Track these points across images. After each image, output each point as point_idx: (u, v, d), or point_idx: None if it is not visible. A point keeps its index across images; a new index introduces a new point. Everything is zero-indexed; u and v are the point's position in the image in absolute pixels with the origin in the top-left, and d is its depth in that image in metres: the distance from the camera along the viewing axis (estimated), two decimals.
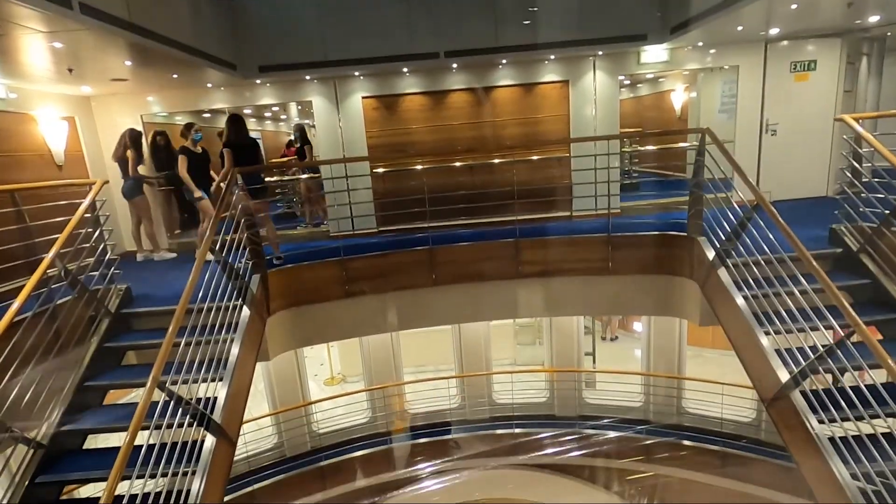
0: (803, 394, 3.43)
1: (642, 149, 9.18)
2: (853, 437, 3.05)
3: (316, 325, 5.35)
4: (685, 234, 4.88)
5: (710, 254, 4.47)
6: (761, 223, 3.94)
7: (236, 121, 5.50)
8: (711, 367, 9.77)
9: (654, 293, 5.34)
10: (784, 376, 3.53)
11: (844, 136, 4.44)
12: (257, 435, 7.60)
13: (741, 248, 4.07)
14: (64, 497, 3.73)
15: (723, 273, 4.31)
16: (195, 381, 3.46)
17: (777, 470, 6.65)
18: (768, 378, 3.70)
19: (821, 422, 3.30)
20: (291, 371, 7.65)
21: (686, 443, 7.27)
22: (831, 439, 3.20)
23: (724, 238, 4.27)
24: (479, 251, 5.36)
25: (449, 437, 7.81)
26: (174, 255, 6.74)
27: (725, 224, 4.23)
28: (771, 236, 3.82)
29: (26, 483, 3.42)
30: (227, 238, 4.18)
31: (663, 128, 10.17)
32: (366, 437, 7.91)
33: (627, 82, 10.82)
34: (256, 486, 7.07)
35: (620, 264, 5.21)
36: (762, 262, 3.82)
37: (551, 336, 8.07)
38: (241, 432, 7.39)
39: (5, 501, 3.33)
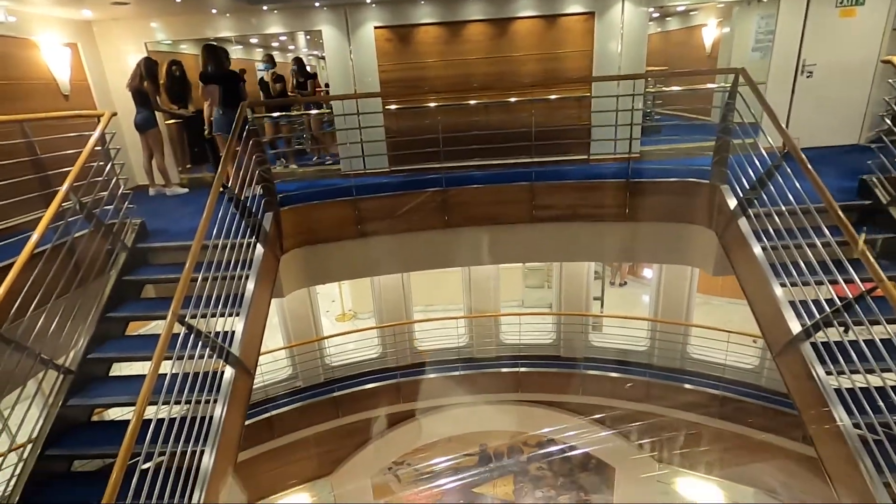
0: (813, 346, 3.44)
1: (667, 90, 8.74)
2: (860, 388, 3.08)
3: (329, 264, 5.39)
4: (707, 181, 4.73)
5: (732, 202, 4.35)
6: (788, 171, 3.79)
7: (213, 51, 5.23)
8: (718, 314, 9.85)
9: (670, 241, 5.27)
10: (796, 328, 3.53)
11: (890, 81, 4.15)
12: (273, 366, 7.91)
13: (765, 198, 3.94)
14: (94, 419, 3.96)
15: (743, 223, 4.22)
16: (213, 316, 3.55)
17: (775, 415, 6.85)
18: (779, 329, 3.70)
19: (828, 373, 3.33)
20: (304, 308, 7.83)
21: (687, 386, 7.46)
22: (837, 390, 3.24)
23: (748, 186, 4.13)
24: (493, 194, 5.26)
25: (456, 373, 8.07)
26: (186, 189, 6.72)
27: (751, 171, 4.08)
28: (798, 185, 3.69)
29: (59, 405, 3.62)
30: (240, 174, 4.13)
31: (690, 66, 9.62)
32: (376, 372, 8.22)
33: (656, 15, 10.13)
34: (273, 412, 7.45)
35: (637, 211, 5.11)
36: (786, 212, 3.71)
37: (560, 279, 8.11)
38: (258, 363, 7.75)
39: (42, 420, 3.54)
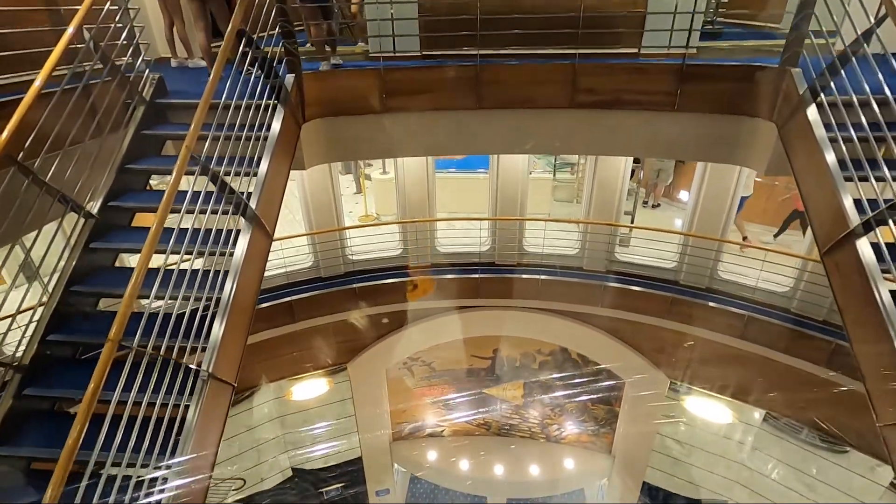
0: (873, 245, 3.14)
1: None
2: None
3: (352, 138, 5.15)
4: (776, 65, 4.19)
5: (802, 87, 3.87)
6: (869, 56, 3.30)
7: None
8: (752, 240, 9.46)
9: (721, 136, 4.82)
10: (854, 221, 3.22)
11: None
12: (294, 252, 7.97)
13: (839, 85, 3.50)
14: (117, 265, 4.02)
15: (812, 111, 3.76)
16: (235, 174, 3.44)
17: (802, 339, 6.67)
18: (834, 224, 3.40)
19: (884, 271, 3.06)
20: (327, 197, 7.72)
21: (712, 304, 7.26)
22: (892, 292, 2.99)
23: (823, 70, 3.63)
24: (531, 73, 4.81)
25: (475, 275, 8.03)
26: None
27: (831, 52, 3.56)
28: (879, 73, 3.21)
29: (82, 247, 3.65)
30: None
31: None
32: (397, 268, 8.24)
33: None
34: (294, 297, 7.62)
35: (689, 99, 4.62)
36: (858, 103, 3.29)
37: (592, 187, 7.73)
38: (279, 248, 7.83)
39: (65, 259, 3.58)
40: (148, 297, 2.96)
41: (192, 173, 3.32)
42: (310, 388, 9.13)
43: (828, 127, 3.60)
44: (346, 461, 11.76)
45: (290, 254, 7.89)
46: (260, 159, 3.87)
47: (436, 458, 10.07)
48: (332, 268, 8.14)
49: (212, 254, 3.41)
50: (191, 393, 2.92)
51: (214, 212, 3.29)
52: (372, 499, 10.86)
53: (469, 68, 4.80)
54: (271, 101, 4.10)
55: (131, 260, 6.23)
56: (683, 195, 10.91)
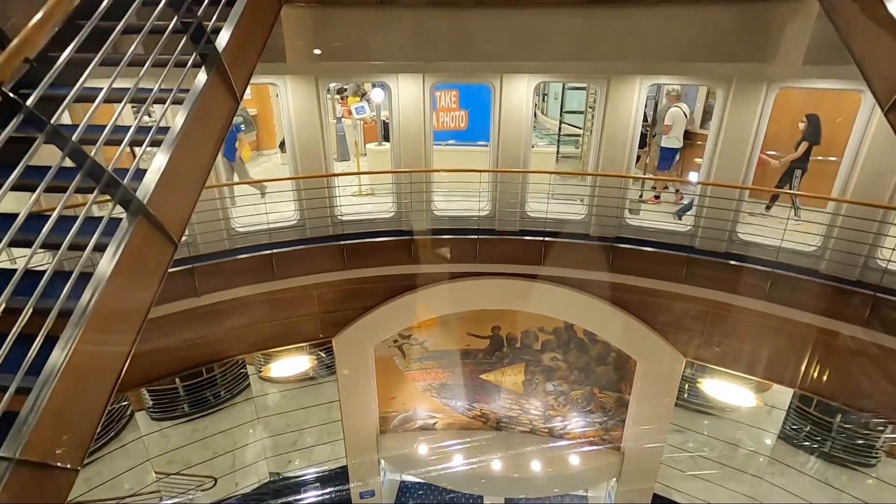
0: None
1: None
2: None
3: (341, 34, 4.67)
4: None
5: None
6: None
7: None
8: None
9: (751, 28, 4.34)
10: None
11: None
12: (279, 207, 7.36)
13: None
14: None
15: None
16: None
17: (837, 294, 6.01)
18: None
19: None
20: (316, 148, 7.18)
21: (732, 263, 6.62)
22: None
23: None
24: None
25: (474, 237, 7.41)
26: None
27: None
28: None
29: None
30: None
31: None
32: (389, 231, 7.62)
33: None
34: (275, 251, 6.97)
35: None
36: None
37: (600, 146, 7.22)
38: (260, 201, 7.15)
39: None
40: None
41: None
42: (289, 364, 8.34)
43: None
44: (328, 470, 10.82)
45: (274, 210, 7.25)
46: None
47: (427, 453, 9.12)
48: (319, 228, 7.50)
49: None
50: None
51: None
52: (355, 501, 9.82)
53: None
54: None
55: None
56: (692, 176, 10.39)
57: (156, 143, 2.81)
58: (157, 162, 2.73)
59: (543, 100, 13.32)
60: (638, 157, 9.00)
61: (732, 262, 6.66)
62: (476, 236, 7.44)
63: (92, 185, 2.41)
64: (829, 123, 7.74)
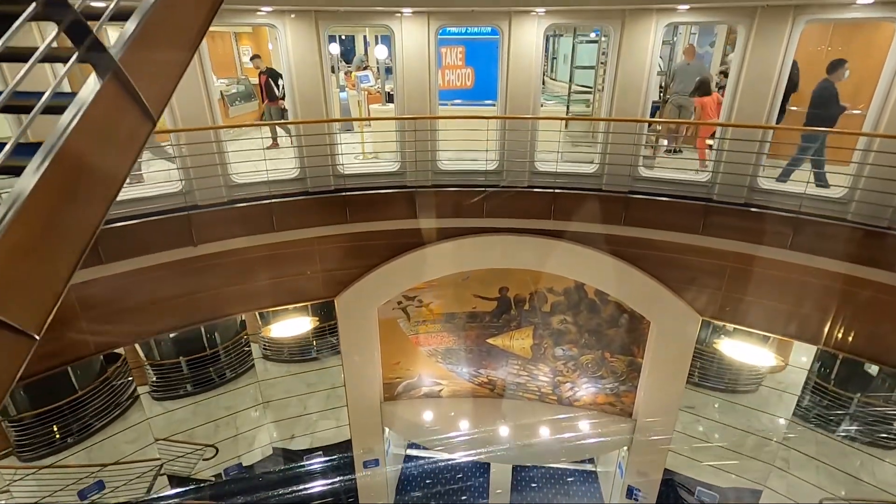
0: None
1: None
2: None
3: None
4: None
5: None
6: None
7: None
8: None
9: None
10: None
11: None
12: (280, 164, 7.12)
13: None
14: None
15: None
16: None
17: (867, 238, 5.66)
18: None
19: None
20: (316, 94, 6.91)
21: (753, 210, 6.29)
22: None
23: None
24: None
25: (481, 188, 7.12)
26: None
27: None
28: None
29: None
30: None
31: None
32: (393, 185, 7.35)
33: None
34: (274, 200, 6.72)
35: None
36: None
37: (613, 94, 6.89)
38: (260, 158, 6.96)
39: None
40: None
41: None
42: (291, 325, 8.11)
43: None
44: (333, 444, 10.64)
45: (274, 166, 7.00)
46: None
47: (432, 421, 8.87)
48: (319, 178, 7.24)
49: None
50: None
51: None
52: (359, 471, 9.61)
53: None
54: None
55: None
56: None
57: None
58: (134, 20, 2.46)
59: (552, 63, 12.96)
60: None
61: (754, 209, 6.32)
62: (483, 188, 7.14)
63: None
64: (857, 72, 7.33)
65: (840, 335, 6.31)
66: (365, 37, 18.20)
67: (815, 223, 5.93)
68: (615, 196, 6.92)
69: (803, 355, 10.35)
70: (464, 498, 10.79)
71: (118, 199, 2.23)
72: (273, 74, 10.30)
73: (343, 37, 19.85)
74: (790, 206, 6.31)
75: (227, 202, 6.81)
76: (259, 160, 7.10)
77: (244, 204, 6.66)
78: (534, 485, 10.89)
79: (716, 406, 10.42)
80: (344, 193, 6.98)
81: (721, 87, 9.21)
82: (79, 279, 5.93)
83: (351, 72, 14.96)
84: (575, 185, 7.30)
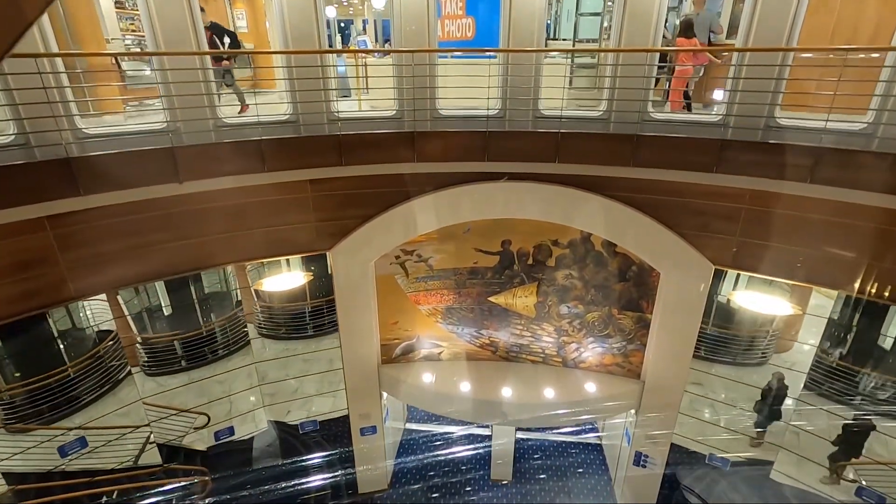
0: None
1: None
2: None
3: None
4: None
5: None
6: None
7: None
8: None
9: None
10: None
11: None
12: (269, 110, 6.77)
13: None
14: None
15: None
16: None
17: (894, 165, 5.30)
18: None
19: None
20: (309, 27, 6.55)
21: (772, 142, 5.93)
22: None
23: None
24: None
25: (482, 129, 6.77)
26: None
27: None
28: None
29: None
30: None
31: None
32: (390, 127, 7.00)
33: None
34: (263, 137, 6.37)
35: None
36: None
37: (622, 25, 6.53)
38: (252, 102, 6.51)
39: None
40: None
41: None
42: (283, 280, 7.76)
43: None
44: (329, 419, 10.28)
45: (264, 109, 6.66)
46: None
47: (432, 384, 8.51)
48: (313, 126, 6.89)
49: None
50: None
51: None
52: (356, 440, 9.27)
53: None
54: None
55: None
56: (717, 94, 9.66)
57: None
58: None
59: (555, 28, 12.58)
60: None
61: (772, 142, 5.96)
62: (484, 129, 6.79)
63: None
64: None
65: (866, 278, 5.96)
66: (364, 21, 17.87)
67: (837, 152, 5.57)
68: (624, 136, 6.56)
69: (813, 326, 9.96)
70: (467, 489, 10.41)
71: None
72: (218, 30, 8.94)
73: (342, 23, 19.53)
74: (811, 142, 5.96)
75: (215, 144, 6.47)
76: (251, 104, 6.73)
77: (233, 140, 6.31)
78: (536, 457, 10.54)
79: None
80: (339, 133, 6.62)
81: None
82: (56, 210, 5.62)
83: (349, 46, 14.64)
84: (581, 129, 6.95)
